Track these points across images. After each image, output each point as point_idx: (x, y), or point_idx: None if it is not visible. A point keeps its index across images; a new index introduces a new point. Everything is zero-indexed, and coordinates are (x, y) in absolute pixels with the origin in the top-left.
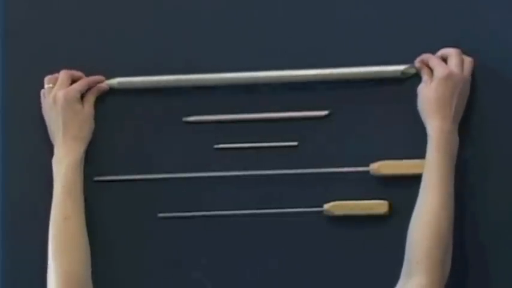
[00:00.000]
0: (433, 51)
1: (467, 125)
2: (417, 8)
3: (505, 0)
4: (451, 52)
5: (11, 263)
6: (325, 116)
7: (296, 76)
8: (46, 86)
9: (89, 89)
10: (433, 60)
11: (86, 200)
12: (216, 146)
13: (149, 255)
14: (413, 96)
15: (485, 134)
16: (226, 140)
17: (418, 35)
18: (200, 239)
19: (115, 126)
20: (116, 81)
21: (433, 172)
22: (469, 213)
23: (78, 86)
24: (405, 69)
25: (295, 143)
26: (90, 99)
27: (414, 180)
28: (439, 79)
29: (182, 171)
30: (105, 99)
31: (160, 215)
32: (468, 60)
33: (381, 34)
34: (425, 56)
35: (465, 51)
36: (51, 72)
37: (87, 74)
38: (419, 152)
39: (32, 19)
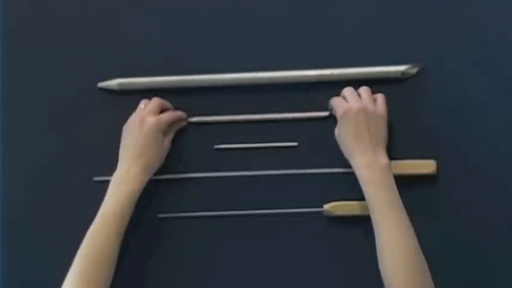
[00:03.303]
0: (434, 51)
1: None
2: (417, 8)
3: (504, 1)
4: (349, 90)
5: (10, 263)
6: (326, 117)
7: (296, 77)
8: (140, 106)
9: None
10: (334, 101)
11: (85, 200)
12: (216, 147)
13: (149, 255)
14: (414, 97)
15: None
16: (227, 140)
17: (419, 35)
18: (200, 239)
19: (115, 126)
20: (116, 82)
21: (372, 208)
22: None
23: (169, 118)
24: (406, 69)
25: (295, 143)
26: (171, 133)
27: (417, 180)
28: (339, 118)
29: (182, 172)
30: (105, 100)
31: (160, 215)
32: (380, 96)
33: (382, 34)
34: (333, 99)
35: (465, 52)
36: (50, 73)
37: (89, 76)
38: (420, 152)
39: (32, 19)
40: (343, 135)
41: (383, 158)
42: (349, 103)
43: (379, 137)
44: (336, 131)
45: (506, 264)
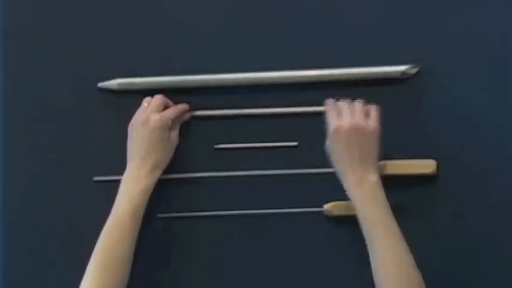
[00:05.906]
0: (434, 52)
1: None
2: (417, 8)
3: (504, 1)
4: (343, 104)
5: (11, 264)
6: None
7: (297, 77)
8: (143, 104)
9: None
10: (328, 112)
11: (85, 200)
12: (216, 146)
13: (149, 254)
14: (414, 97)
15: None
16: (227, 140)
17: (419, 35)
18: (200, 239)
19: (115, 126)
20: (115, 82)
21: (364, 226)
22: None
23: (172, 114)
24: (406, 69)
25: (295, 143)
26: (177, 127)
27: (415, 180)
28: (330, 133)
29: (182, 171)
30: (105, 100)
31: (160, 215)
32: (373, 109)
33: (382, 34)
34: (328, 109)
35: (465, 52)
36: (50, 73)
37: (89, 76)
38: (420, 152)
39: (32, 19)
40: (334, 152)
41: (372, 176)
42: (341, 120)
43: (369, 153)
44: (327, 143)
45: (506, 264)
